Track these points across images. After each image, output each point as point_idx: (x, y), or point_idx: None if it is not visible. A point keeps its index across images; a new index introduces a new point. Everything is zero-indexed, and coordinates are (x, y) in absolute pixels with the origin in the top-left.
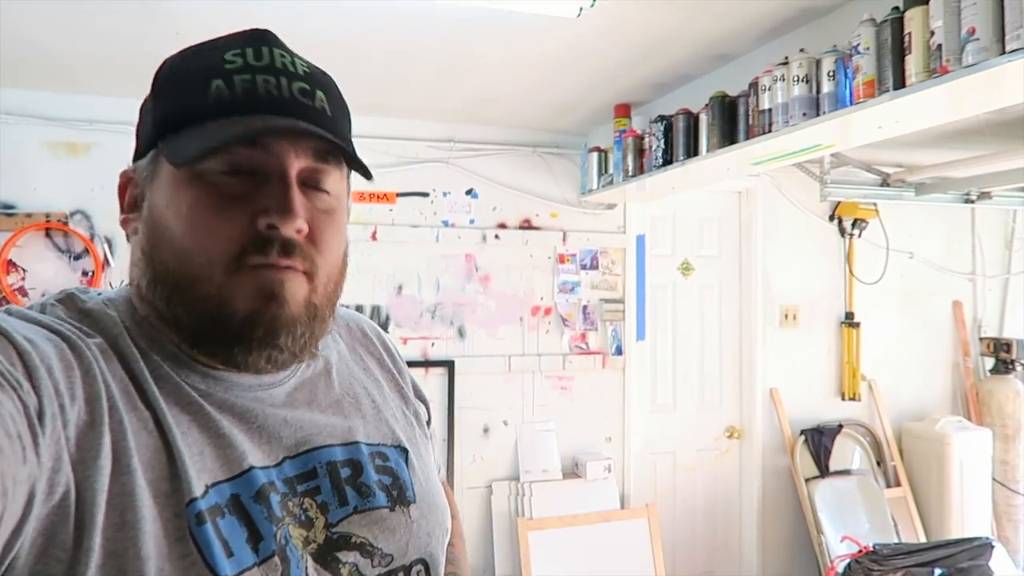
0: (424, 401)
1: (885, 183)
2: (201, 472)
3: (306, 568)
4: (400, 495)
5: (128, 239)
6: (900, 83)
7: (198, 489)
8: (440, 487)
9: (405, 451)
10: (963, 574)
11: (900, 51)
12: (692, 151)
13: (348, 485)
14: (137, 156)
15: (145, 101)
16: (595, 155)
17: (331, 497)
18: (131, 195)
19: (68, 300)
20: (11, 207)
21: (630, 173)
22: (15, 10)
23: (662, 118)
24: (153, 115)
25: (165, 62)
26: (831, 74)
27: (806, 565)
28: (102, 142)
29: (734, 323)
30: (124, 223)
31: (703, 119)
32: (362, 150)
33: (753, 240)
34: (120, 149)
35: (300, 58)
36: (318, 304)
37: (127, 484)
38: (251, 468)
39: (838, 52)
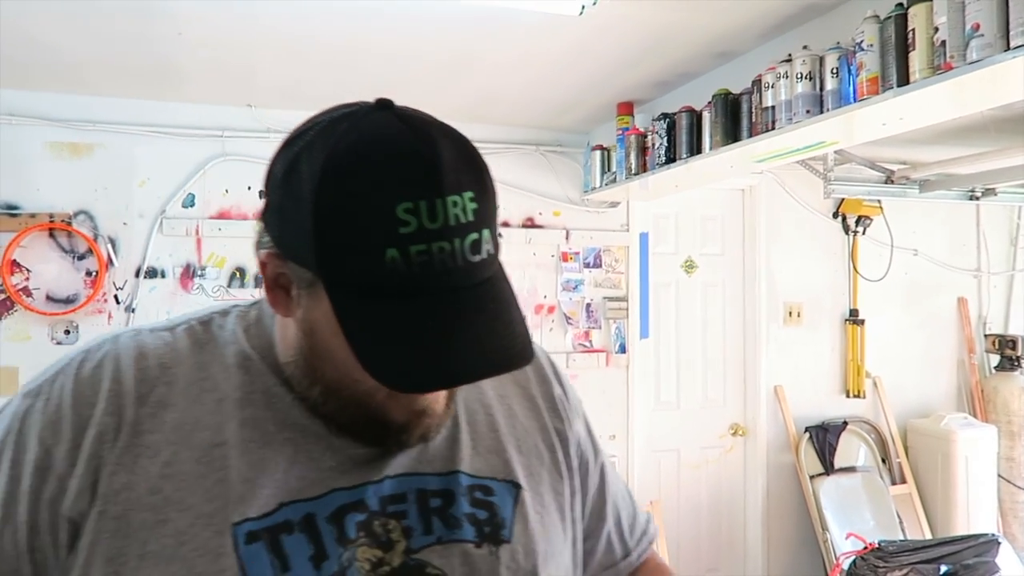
0: (588, 435)
1: (889, 180)
2: (277, 492)
3: None
4: (493, 533)
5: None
6: (904, 80)
7: (261, 509)
8: (557, 531)
9: (517, 487)
10: (969, 571)
11: (904, 48)
12: (695, 149)
13: (435, 515)
14: (281, 246)
15: (291, 194)
16: (598, 153)
17: (416, 523)
18: (278, 280)
19: (193, 331)
20: (15, 207)
21: (633, 171)
22: (18, 11)
23: (665, 116)
24: (314, 239)
25: (323, 179)
26: (834, 71)
27: (811, 562)
28: (105, 142)
29: (738, 321)
30: (273, 303)
31: (706, 117)
32: None
33: (757, 238)
34: (122, 150)
35: (465, 175)
36: (455, 395)
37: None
38: (333, 490)
39: (841, 49)
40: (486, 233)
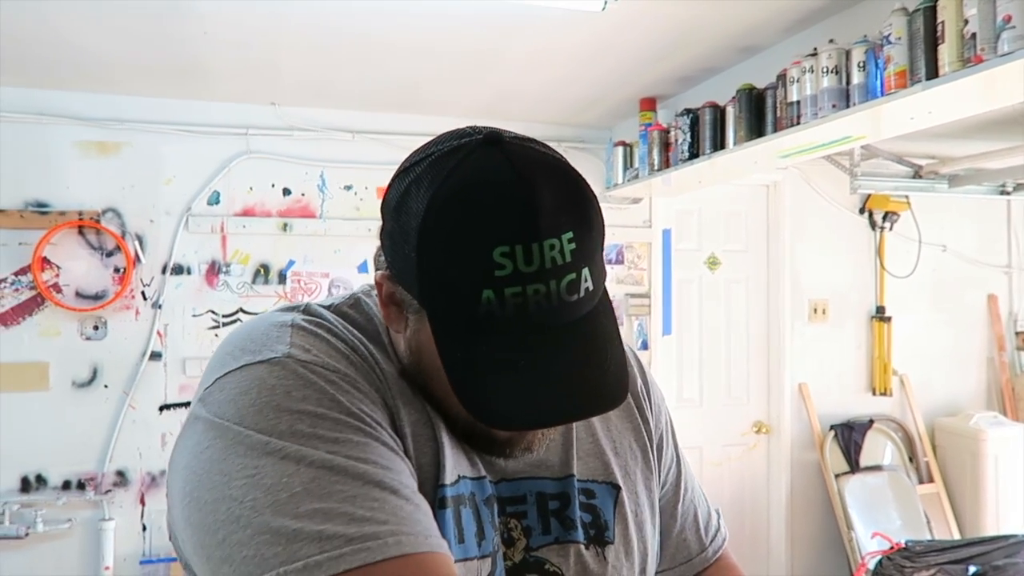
0: (671, 433)
1: (917, 175)
2: (457, 463)
3: None
4: (598, 535)
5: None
6: (933, 73)
7: (451, 476)
8: (650, 530)
9: (617, 489)
10: (998, 572)
11: (933, 40)
12: (719, 144)
13: (554, 516)
14: (393, 269)
15: (401, 226)
16: (620, 149)
17: (536, 523)
18: (392, 299)
19: (357, 306)
20: (45, 205)
21: (655, 167)
22: (49, 13)
23: (688, 111)
24: (419, 274)
25: (426, 218)
26: (861, 65)
27: (836, 561)
28: (132, 141)
29: (762, 317)
30: (387, 318)
31: (730, 112)
32: (386, 147)
33: (781, 234)
34: (149, 148)
35: (566, 215)
36: None
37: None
38: (485, 477)
39: (869, 43)
40: (585, 272)
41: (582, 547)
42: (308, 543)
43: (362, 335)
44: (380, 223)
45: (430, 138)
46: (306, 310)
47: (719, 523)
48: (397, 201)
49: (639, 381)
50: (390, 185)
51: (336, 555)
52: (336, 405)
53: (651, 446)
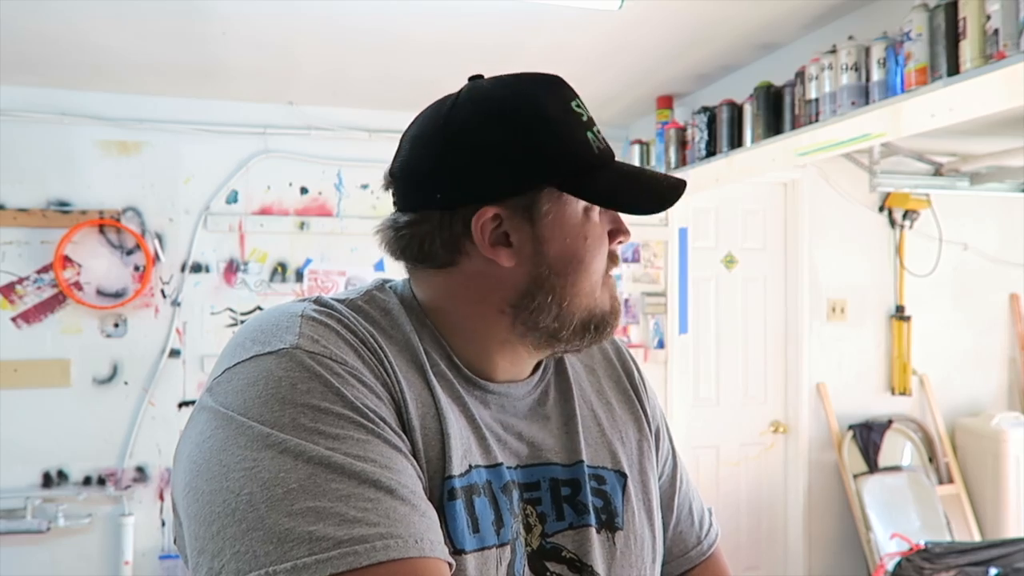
0: (666, 426)
1: (938, 172)
2: (466, 454)
3: (524, 566)
4: (608, 520)
5: (459, 266)
6: (954, 70)
7: (460, 467)
8: (655, 520)
9: (624, 477)
10: (1020, 574)
11: (954, 36)
12: (736, 142)
13: (566, 502)
14: (497, 192)
15: (504, 139)
16: (637, 147)
17: (550, 510)
18: (498, 238)
19: (372, 301)
20: (66, 204)
21: (672, 165)
22: (72, 15)
23: (705, 109)
24: (534, 156)
25: (525, 102)
26: (881, 61)
27: (854, 562)
28: (152, 140)
29: (779, 316)
30: (498, 257)
31: (747, 110)
32: None
33: (799, 232)
34: (168, 147)
35: None
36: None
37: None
38: (502, 463)
39: (888, 39)
40: None
41: (594, 531)
42: (299, 544)
43: (373, 328)
44: (445, 184)
45: None
46: (317, 300)
47: (711, 519)
48: (470, 136)
49: (636, 374)
50: (443, 152)
51: (324, 558)
52: (340, 399)
53: (651, 437)
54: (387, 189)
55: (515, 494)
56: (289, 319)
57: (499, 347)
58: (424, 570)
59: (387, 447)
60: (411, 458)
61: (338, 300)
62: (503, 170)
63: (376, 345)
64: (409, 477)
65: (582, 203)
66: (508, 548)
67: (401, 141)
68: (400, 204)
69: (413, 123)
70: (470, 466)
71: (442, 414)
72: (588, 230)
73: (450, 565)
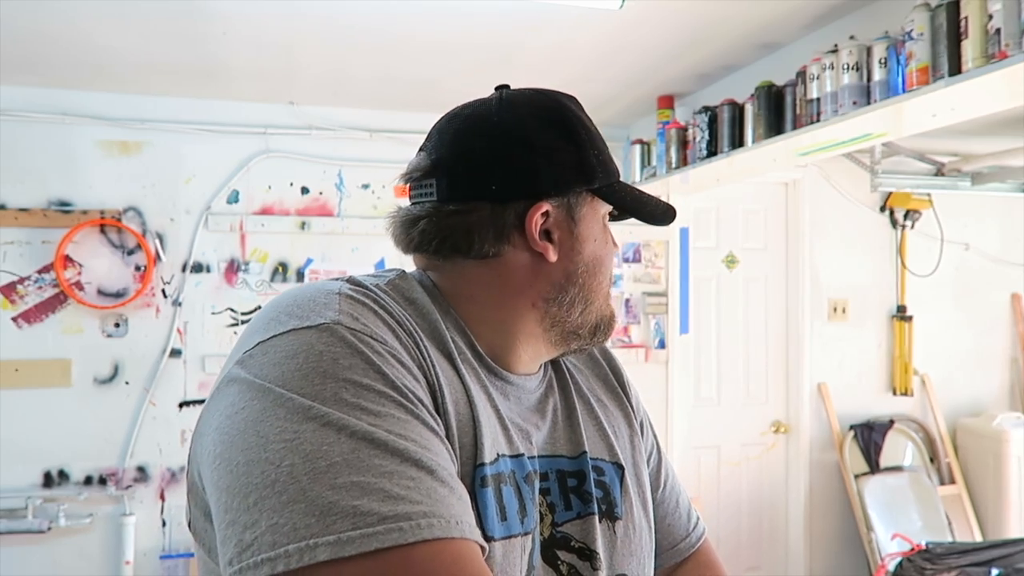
0: (648, 421)
1: (939, 172)
2: (495, 442)
3: (539, 554)
4: (608, 510)
5: (503, 257)
6: (956, 69)
7: (490, 455)
8: (650, 511)
9: (621, 468)
10: (1021, 575)
11: (956, 36)
12: (737, 142)
13: (573, 493)
14: (549, 190)
15: (556, 142)
16: (637, 147)
17: (559, 500)
18: (544, 234)
19: (397, 290)
20: (68, 204)
21: (673, 165)
22: (73, 15)
23: (706, 109)
24: (583, 160)
25: (568, 112)
26: (882, 61)
27: (855, 562)
28: (153, 140)
29: (780, 316)
30: (545, 251)
31: (749, 109)
32: (404, 146)
33: (800, 232)
34: (169, 147)
35: None
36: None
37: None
38: (523, 454)
39: (890, 39)
40: None
41: (596, 519)
42: (343, 518)
43: (411, 308)
44: (495, 187)
45: None
46: (351, 280)
47: (696, 514)
48: (526, 135)
49: (620, 371)
50: (496, 149)
51: (369, 532)
52: (381, 377)
53: (638, 431)
54: (411, 181)
55: (536, 485)
56: (327, 296)
57: (524, 340)
58: (464, 550)
59: (425, 428)
60: (446, 441)
61: (370, 279)
62: (555, 170)
63: (412, 327)
64: (445, 460)
65: (603, 211)
66: (530, 537)
67: (440, 134)
68: (445, 194)
69: (452, 119)
70: (498, 455)
71: (473, 401)
72: (607, 235)
73: (483, 549)
